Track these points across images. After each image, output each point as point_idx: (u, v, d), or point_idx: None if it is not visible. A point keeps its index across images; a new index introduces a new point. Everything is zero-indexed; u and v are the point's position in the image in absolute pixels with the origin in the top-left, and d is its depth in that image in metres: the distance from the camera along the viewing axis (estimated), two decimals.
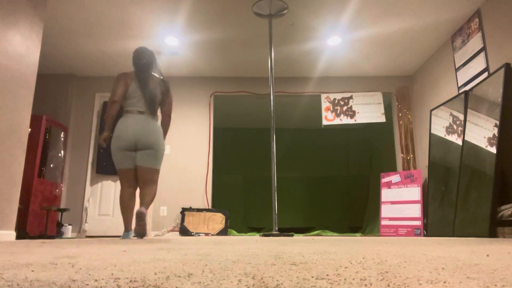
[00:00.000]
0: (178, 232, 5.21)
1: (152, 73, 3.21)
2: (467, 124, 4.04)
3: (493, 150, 3.51)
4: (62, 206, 5.29)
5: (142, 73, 3.14)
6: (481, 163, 3.66)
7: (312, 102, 6.33)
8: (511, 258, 0.94)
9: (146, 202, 3.05)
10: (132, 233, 3.08)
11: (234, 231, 5.52)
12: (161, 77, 3.25)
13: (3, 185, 3.06)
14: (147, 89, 3.09)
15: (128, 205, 3.06)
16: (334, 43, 4.90)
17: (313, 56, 5.27)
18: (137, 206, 3.26)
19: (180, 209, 5.30)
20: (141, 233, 2.91)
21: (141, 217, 2.87)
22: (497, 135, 3.49)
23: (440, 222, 4.20)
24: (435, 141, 4.69)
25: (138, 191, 3.19)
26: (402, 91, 5.85)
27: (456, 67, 4.55)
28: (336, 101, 5.77)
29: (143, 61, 3.15)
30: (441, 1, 4.02)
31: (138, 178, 3.11)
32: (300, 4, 4.07)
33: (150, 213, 5.29)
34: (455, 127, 4.30)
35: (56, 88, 5.69)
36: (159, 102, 3.19)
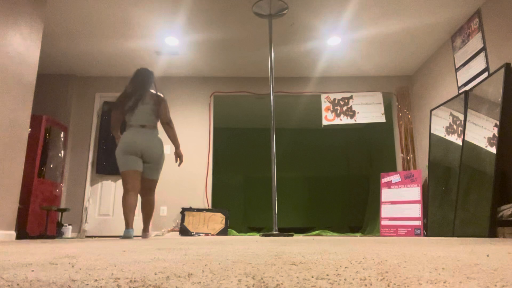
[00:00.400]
0: (178, 232, 5.21)
1: (150, 90, 3.53)
2: (467, 124, 4.04)
3: (493, 150, 3.51)
4: (62, 206, 5.29)
5: (139, 89, 3.46)
6: (481, 163, 3.66)
7: (312, 102, 6.33)
8: (511, 258, 0.94)
9: (149, 220, 3.49)
10: (133, 231, 3.31)
11: (234, 231, 5.52)
12: (154, 92, 3.56)
13: (3, 185, 3.06)
14: (144, 104, 3.41)
15: (131, 207, 3.29)
16: (334, 43, 4.90)
17: (313, 56, 5.27)
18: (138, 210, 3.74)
19: (180, 209, 5.30)
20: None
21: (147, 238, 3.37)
22: (497, 135, 3.49)
23: (440, 222, 4.20)
24: (435, 141, 4.69)
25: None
26: (402, 91, 5.85)
27: (456, 67, 4.55)
28: (336, 101, 5.77)
29: (140, 78, 3.51)
30: (441, 1, 4.02)
31: (141, 186, 3.45)
32: (300, 4, 4.07)
33: None
34: (455, 127, 4.30)
35: (56, 88, 5.69)
36: (156, 114, 3.47)
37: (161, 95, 3.55)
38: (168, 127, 3.48)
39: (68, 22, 4.40)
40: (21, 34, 3.32)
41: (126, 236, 3.24)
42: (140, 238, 3.57)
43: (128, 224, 3.25)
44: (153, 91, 3.54)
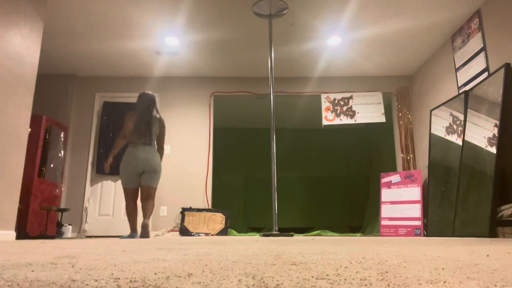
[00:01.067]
0: (178, 232, 5.21)
1: (152, 113, 3.97)
2: (467, 124, 4.04)
3: (493, 150, 3.51)
4: (62, 206, 5.29)
5: (145, 113, 3.91)
6: (481, 163, 3.66)
7: (312, 102, 6.33)
8: (511, 258, 0.94)
9: (148, 214, 3.84)
10: (138, 234, 3.82)
11: (234, 231, 5.52)
12: (158, 116, 4.01)
13: (3, 185, 3.06)
14: (149, 126, 3.87)
15: (133, 213, 3.83)
16: (334, 43, 4.90)
17: (313, 56, 5.27)
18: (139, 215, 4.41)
19: (180, 209, 5.30)
20: (146, 237, 3.71)
21: (146, 228, 3.70)
22: (497, 135, 3.49)
23: (440, 222, 4.20)
24: (435, 141, 4.69)
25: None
26: (402, 91, 5.85)
27: (456, 67, 4.55)
28: (336, 101, 5.77)
29: (145, 104, 3.94)
30: (441, 1, 4.02)
31: (141, 193, 3.88)
32: (300, 4, 4.07)
33: None
34: (455, 127, 4.30)
35: (56, 88, 5.69)
36: (156, 135, 4.00)
37: (163, 120, 4.05)
38: (163, 149, 4.05)
39: (68, 22, 4.40)
40: (21, 34, 3.32)
41: (133, 237, 3.71)
42: (139, 238, 3.68)
43: (134, 228, 3.78)
44: (155, 113, 4.00)
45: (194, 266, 0.81)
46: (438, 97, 4.98)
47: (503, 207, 3.32)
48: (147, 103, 3.96)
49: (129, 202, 3.84)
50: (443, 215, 4.16)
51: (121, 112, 5.68)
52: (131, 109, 4.05)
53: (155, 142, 4.01)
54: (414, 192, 4.94)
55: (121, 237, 3.94)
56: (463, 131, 4.08)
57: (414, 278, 0.61)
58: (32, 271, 0.75)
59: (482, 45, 4.04)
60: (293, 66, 5.58)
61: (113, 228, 5.34)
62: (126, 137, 3.88)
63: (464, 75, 4.39)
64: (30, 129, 3.88)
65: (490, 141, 3.59)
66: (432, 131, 4.80)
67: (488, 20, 3.98)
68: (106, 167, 3.92)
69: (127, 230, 5.04)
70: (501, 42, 3.75)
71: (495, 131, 3.53)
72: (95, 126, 5.72)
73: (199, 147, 5.66)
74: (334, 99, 5.78)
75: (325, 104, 5.77)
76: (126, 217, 5.19)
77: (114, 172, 5.43)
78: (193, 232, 5.09)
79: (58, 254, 1.20)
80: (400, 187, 5.12)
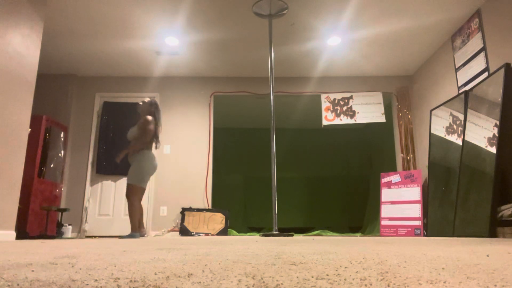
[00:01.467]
0: (178, 232, 5.21)
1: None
2: (467, 124, 4.04)
3: (493, 150, 3.51)
4: (62, 206, 5.29)
5: (158, 121, 4.03)
6: (481, 163, 3.66)
7: (312, 102, 6.33)
8: (511, 258, 0.94)
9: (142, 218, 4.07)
10: (138, 234, 3.89)
11: (234, 231, 5.52)
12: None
13: (3, 185, 3.06)
14: (156, 132, 4.00)
15: (139, 212, 3.87)
16: (334, 43, 4.90)
17: (313, 56, 5.27)
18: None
19: (180, 209, 5.30)
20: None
21: (143, 233, 3.99)
22: (497, 135, 3.49)
23: (440, 222, 4.20)
24: (435, 141, 4.69)
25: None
26: (402, 91, 5.85)
27: (456, 67, 4.55)
28: (336, 101, 5.77)
29: (158, 112, 4.03)
30: (441, 1, 4.02)
31: None
32: (300, 4, 4.07)
33: (150, 213, 5.35)
34: (455, 127, 4.30)
35: (56, 88, 5.69)
36: None
37: None
38: None
39: (68, 22, 4.40)
40: (21, 34, 3.32)
41: (134, 237, 3.71)
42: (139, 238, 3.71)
43: (135, 227, 3.82)
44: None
45: (194, 266, 0.81)
46: (438, 97, 4.98)
47: (503, 207, 3.32)
48: (158, 111, 4.07)
49: (138, 202, 3.87)
50: (443, 215, 4.16)
51: (121, 112, 5.68)
52: (142, 114, 4.00)
53: None
54: (414, 192, 4.94)
55: (121, 237, 3.94)
56: (463, 131, 4.08)
57: (414, 278, 0.61)
58: (32, 271, 0.75)
59: (482, 45, 4.04)
60: (293, 66, 5.58)
61: (113, 228, 5.33)
62: (146, 141, 3.84)
63: (464, 75, 4.39)
64: (30, 129, 3.88)
65: (490, 141, 3.59)
66: (432, 131, 4.80)
67: (488, 20, 3.98)
68: (118, 159, 3.91)
69: (127, 230, 5.04)
70: (501, 42, 3.75)
71: (495, 131, 3.53)
72: (95, 126, 5.72)
73: (199, 147, 5.66)
74: (334, 99, 5.78)
75: (325, 104, 5.77)
76: (126, 217, 5.20)
77: (114, 172, 5.43)
78: (193, 232, 5.09)
79: (58, 254, 1.20)
80: (400, 187, 5.12)
